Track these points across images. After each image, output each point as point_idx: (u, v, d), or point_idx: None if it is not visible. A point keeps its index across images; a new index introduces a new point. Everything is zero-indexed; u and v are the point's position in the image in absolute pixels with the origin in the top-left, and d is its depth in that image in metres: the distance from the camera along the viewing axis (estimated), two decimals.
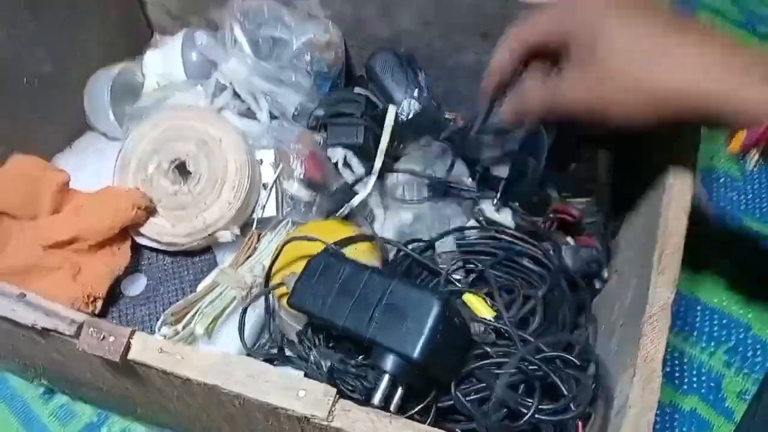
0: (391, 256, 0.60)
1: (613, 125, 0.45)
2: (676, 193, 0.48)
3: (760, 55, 0.42)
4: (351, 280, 0.47)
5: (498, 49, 0.50)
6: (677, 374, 0.64)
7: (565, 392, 0.47)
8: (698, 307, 0.68)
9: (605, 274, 0.59)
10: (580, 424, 0.46)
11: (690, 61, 0.42)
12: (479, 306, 0.52)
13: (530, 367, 0.48)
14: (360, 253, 0.55)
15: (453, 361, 0.48)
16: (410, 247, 0.59)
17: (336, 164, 0.64)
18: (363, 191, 0.59)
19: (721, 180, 0.76)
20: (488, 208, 0.61)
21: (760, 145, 0.43)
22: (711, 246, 0.71)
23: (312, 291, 0.47)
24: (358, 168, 0.63)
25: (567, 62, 0.46)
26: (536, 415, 0.46)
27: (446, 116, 0.70)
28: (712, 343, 0.66)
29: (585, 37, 0.44)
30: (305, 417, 0.38)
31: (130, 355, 0.41)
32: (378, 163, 0.60)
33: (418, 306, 0.44)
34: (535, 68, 0.50)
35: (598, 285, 0.60)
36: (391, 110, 0.63)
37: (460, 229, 0.60)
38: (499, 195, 0.61)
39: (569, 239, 0.60)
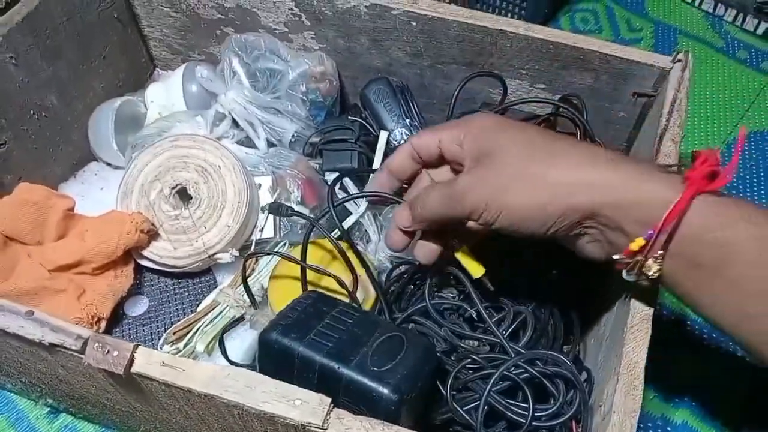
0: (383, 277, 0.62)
1: (505, 226, 0.43)
2: None
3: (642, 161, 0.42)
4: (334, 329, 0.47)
5: (396, 152, 0.51)
6: (668, 387, 0.66)
7: (557, 394, 0.49)
8: (687, 321, 0.69)
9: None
10: (574, 424, 0.48)
11: (582, 159, 0.42)
12: (471, 262, 0.52)
13: (522, 375, 0.49)
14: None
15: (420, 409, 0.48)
16: (402, 268, 0.61)
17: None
18: (356, 212, 0.62)
19: None
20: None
21: (650, 254, 0.40)
22: None
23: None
24: (353, 191, 0.66)
25: (463, 170, 0.46)
26: (534, 422, 0.48)
27: None
28: (703, 356, 0.67)
29: (482, 142, 0.45)
30: (301, 425, 0.40)
31: (134, 369, 0.42)
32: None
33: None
34: (424, 178, 0.51)
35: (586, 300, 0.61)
36: (383, 135, 0.66)
37: None
38: None
39: None
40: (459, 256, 0.51)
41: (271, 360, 0.45)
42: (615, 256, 0.42)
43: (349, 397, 0.44)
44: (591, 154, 0.43)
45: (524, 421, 0.48)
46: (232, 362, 0.55)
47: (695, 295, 0.41)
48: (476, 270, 0.51)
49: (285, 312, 0.48)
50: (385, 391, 0.42)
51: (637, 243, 0.40)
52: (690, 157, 0.41)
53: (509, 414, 0.49)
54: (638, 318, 0.45)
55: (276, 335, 0.46)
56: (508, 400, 0.49)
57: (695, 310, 0.43)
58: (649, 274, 0.41)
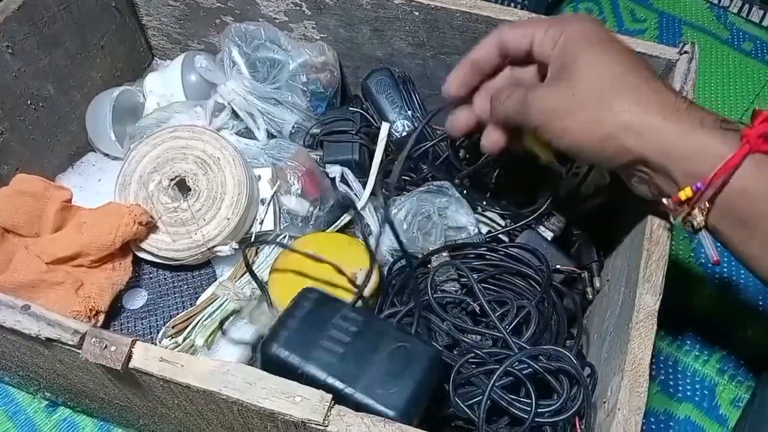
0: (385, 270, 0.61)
1: (563, 147, 0.45)
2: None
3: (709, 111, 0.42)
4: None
5: (482, 43, 0.50)
6: (671, 382, 0.65)
7: (560, 390, 0.48)
8: (690, 315, 0.69)
9: (597, 284, 0.61)
10: (577, 420, 0.47)
11: (650, 103, 0.42)
12: (542, 148, 0.51)
13: (525, 371, 0.49)
14: (350, 256, 0.57)
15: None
16: (404, 261, 0.61)
17: (333, 180, 0.66)
18: (358, 205, 0.61)
19: None
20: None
21: (697, 204, 0.41)
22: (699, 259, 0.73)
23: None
24: (355, 183, 0.65)
25: (545, 77, 0.47)
26: (537, 419, 0.47)
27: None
28: (705, 351, 0.67)
29: (567, 55, 0.45)
30: (302, 422, 0.39)
31: (132, 364, 0.42)
32: (372, 178, 0.61)
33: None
34: (508, 76, 0.51)
35: (591, 296, 0.61)
36: (384, 126, 0.65)
37: (455, 246, 0.61)
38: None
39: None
40: (530, 140, 0.51)
41: (275, 372, 0.44)
42: (663, 200, 0.44)
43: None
44: (661, 100, 0.42)
45: (527, 417, 0.47)
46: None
47: (741, 250, 0.42)
48: (547, 155, 0.51)
49: (285, 318, 0.47)
50: (393, 413, 0.42)
51: (685, 193, 0.41)
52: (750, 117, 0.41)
53: (512, 410, 0.48)
54: (644, 314, 0.45)
55: (278, 349, 0.45)
56: (511, 396, 0.49)
57: (742, 263, 0.44)
58: (694, 224, 0.42)
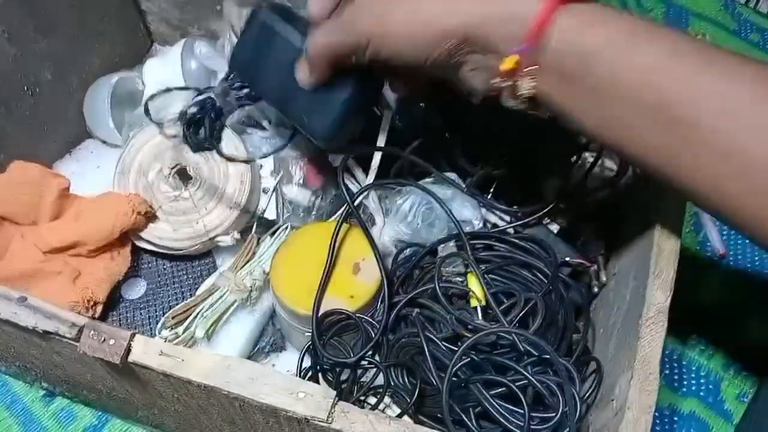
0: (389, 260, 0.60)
1: (384, 55, 0.43)
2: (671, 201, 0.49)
3: None
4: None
5: None
6: (676, 377, 0.65)
7: (552, 401, 0.47)
8: (696, 310, 0.68)
9: (603, 278, 0.60)
10: None
11: None
12: (476, 288, 0.53)
13: (519, 382, 0.48)
14: (353, 246, 0.57)
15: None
16: (408, 251, 0.60)
17: (336, 169, 0.64)
18: (360, 195, 0.60)
19: None
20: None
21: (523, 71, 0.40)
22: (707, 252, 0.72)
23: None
24: (358, 173, 0.64)
25: None
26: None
27: None
28: (711, 346, 0.66)
29: None
30: (305, 418, 0.39)
31: (131, 358, 0.41)
32: (374, 167, 0.60)
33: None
34: None
35: (596, 289, 0.60)
36: (387, 115, 0.64)
37: (459, 236, 0.60)
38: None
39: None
40: None
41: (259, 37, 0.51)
42: (492, 81, 0.42)
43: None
44: None
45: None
46: None
47: (565, 108, 0.41)
48: None
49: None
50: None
51: (510, 60, 0.40)
52: None
53: (504, 422, 0.47)
54: (654, 310, 0.44)
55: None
56: (506, 406, 0.48)
57: (567, 126, 0.42)
58: (524, 92, 0.41)
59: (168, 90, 0.65)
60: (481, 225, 0.60)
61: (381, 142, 0.62)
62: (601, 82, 0.38)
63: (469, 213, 0.59)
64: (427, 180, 0.60)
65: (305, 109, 0.51)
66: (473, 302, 0.53)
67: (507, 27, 0.39)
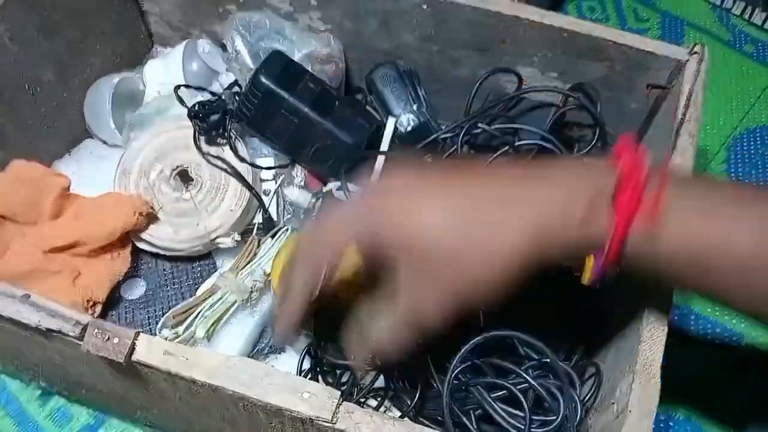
0: None
1: (480, 305, 0.40)
2: None
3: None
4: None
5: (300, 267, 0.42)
6: (671, 382, 0.65)
7: (553, 405, 0.48)
8: (692, 316, 0.69)
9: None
10: None
11: (517, 209, 0.38)
12: None
13: (520, 385, 0.48)
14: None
15: None
16: None
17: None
18: None
19: None
20: None
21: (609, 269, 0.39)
22: None
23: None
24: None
25: (391, 277, 0.39)
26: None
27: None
28: (709, 349, 0.66)
29: (404, 239, 0.38)
30: (309, 418, 0.39)
31: (135, 357, 0.41)
32: (377, 170, 0.61)
33: None
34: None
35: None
36: (390, 121, 0.64)
37: None
38: None
39: None
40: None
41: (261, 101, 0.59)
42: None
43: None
44: (512, 196, 0.38)
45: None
46: None
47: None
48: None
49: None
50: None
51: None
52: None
53: (505, 425, 0.48)
54: (655, 315, 0.44)
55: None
56: (507, 409, 0.48)
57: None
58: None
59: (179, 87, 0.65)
60: None
61: (384, 146, 0.63)
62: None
63: None
64: None
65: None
66: None
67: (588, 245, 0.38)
